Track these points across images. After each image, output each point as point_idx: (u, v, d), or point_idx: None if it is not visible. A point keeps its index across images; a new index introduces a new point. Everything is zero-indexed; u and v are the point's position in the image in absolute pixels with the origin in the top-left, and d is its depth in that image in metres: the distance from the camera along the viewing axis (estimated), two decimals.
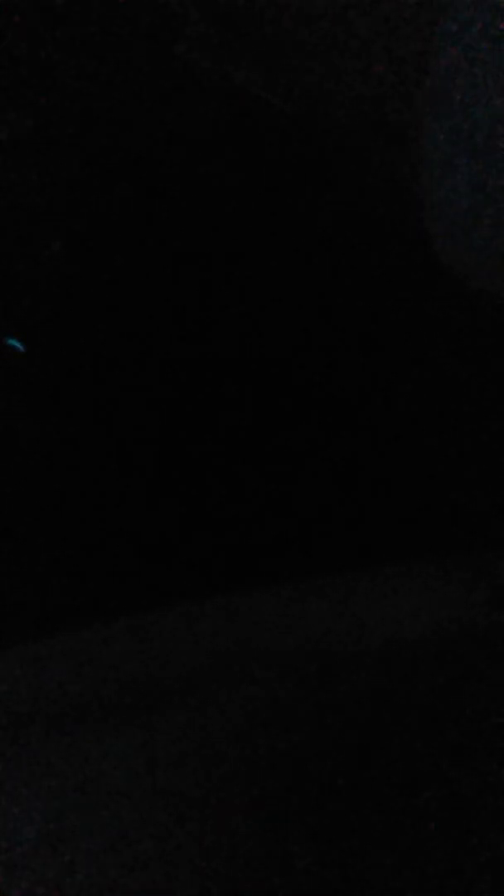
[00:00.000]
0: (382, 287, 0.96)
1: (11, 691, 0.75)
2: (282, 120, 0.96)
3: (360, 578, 0.80)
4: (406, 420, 0.93)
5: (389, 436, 0.92)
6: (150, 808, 0.70)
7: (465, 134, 0.90)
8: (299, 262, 0.96)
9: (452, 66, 0.91)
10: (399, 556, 0.83)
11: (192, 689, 0.74)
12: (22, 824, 0.70)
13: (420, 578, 0.79)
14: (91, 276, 0.97)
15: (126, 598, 0.85)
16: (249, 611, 0.79)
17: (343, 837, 0.68)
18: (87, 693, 0.75)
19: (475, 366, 0.94)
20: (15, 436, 0.94)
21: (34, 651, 0.77)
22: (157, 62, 0.97)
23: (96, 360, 0.96)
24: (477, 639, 0.75)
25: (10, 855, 0.69)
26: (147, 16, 0.97)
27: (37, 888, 0.68)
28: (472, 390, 0.94)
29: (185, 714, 0.73)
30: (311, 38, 0.96)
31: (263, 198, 0.96)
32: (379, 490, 0.92)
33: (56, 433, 0.94)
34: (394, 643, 0.75)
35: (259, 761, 0.71)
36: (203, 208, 0.96)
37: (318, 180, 0.96)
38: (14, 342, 0.96)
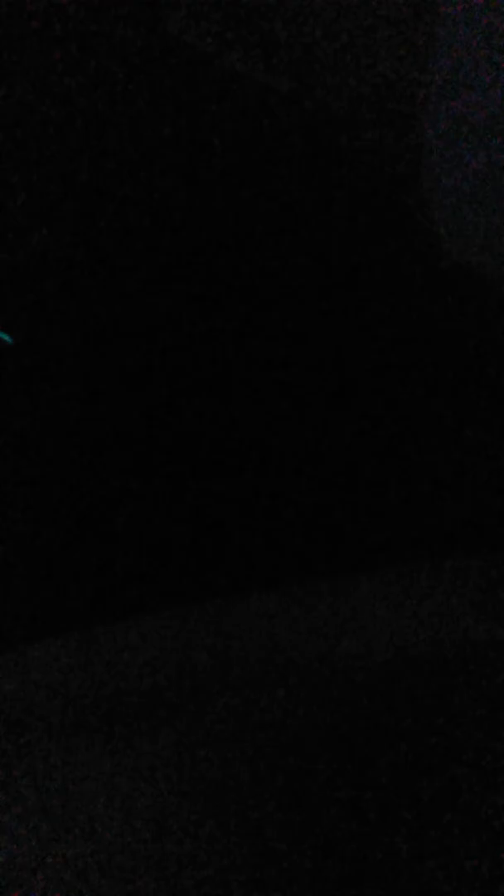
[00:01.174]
0: (385, 277, 0.95)
1: (11, 692, 0.75)
2: (284, 109, 0.96)
3: (360, 581, 0.80)
4: (407, 419, 0.93)
5: (390, 436, 0.92)
6: (150, 810, 0.70)
7: (467, 125, 0.90)
8: (299, 252, 0.96)
9: (453, 58, 0.91)
10: (400, 559, 0.83)
11: (191, 691, 0.74)
12: (22, 824, 0.70)
13: (421, 581, 0.80)
14: (80, 263, 0.96)
15: (126, 600, 0.85)
16: (249, 613, 0.79)
17: (342, 840, 0.68)
18: (86, 694, 0.75)
19: (478, 361, 0.94)
20: (4, 429, 0.93)
21: (34, 651, 0.77)
22: (154, 47, 0.96)
23: (86, 351, 0.95)
24: (478, 642, 0.75)
25: (10, 854, 0.69)
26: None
27: (36, 888, 0.68)
28: (473, 388, 0.94)
29: (184, 715, 0.73)
30: (313, 33, 0.95)
31: (264, 187, 0.96)
32: (380, 492, 0.92)
33: (46, 427, 0.93)
34: (394, 646, 0.76)
35: (258, 763, 0.71)
36: (199, 197, 0.96)
37: (321, 170, 0.96)
38: (1, 334, 0.95)
